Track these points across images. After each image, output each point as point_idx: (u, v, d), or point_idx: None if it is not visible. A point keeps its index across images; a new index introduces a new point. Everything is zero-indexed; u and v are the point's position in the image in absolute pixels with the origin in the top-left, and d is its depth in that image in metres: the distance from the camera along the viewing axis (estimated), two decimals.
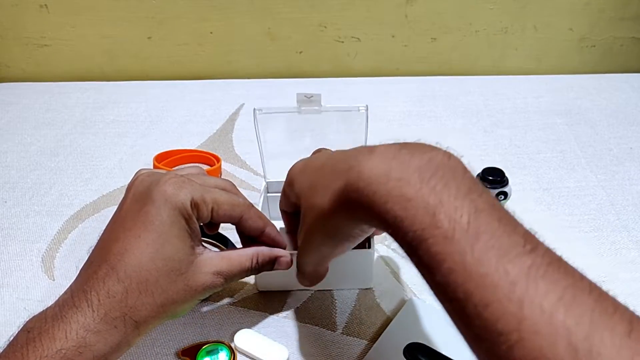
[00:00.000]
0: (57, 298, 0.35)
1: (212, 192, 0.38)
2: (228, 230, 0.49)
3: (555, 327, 0.23)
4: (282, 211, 0.45)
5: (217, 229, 0.44)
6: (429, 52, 0.88)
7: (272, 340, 0.44)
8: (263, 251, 0.41)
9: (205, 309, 0.48)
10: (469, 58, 0.89)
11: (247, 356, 0.44)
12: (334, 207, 0.33)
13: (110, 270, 0.34)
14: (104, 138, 0.73)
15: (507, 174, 0.54)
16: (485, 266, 0.25)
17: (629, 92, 0.82)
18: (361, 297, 0.49)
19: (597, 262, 0.52)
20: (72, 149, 0.71)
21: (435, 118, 0.77)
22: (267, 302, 0.49)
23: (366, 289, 0.50)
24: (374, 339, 0.45)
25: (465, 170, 0.30)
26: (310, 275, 0.42)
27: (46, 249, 0.55)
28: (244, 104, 0.80)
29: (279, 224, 0.44)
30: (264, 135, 0.51)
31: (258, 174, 0.65)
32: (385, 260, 0.53)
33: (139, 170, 0.40)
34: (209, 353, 0.43)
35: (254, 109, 0.49)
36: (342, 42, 0.87)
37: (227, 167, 0.67)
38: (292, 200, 0.41)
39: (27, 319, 0.34)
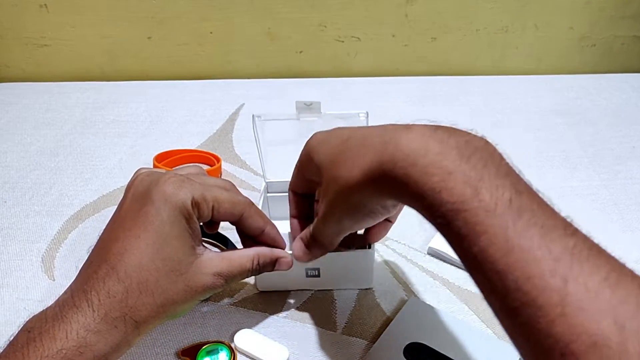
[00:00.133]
0: (57, 298, 0.35)
1: (212, 190, 0.38)
2: (228, 230, 0.49)
3: (600, 304, 0.23)
4: (292, 193, 0.45)
5: (217, 228, 0.44)
6: (429, 52, 0.88)
7: (272, 340, 0.44)
8: (264, 252, 0.41)
9: (205, 309, 0.48)
10: (469, 58, 0.89)
11: (247, 356, 0.44)
12: (362, 181, 0.33)
13: (110, 270, 0.34)
14: (104, 138, 0.73)
15: None
16: (528, 241, 0.25)
17: (629, 92, 0.82)
18: (361, 297, 0.49)
19: None
20: (72, 149, 0.71)
21: (435, 118, 0.76)
22: (267, 302, 0.49)
23: (366, 289, 0.50)
24: (374, 339, 0.45)
25: (501, 156, 0.30)
26: (321, 246, 0.41)
27: (46, 249, 0.55)
28: (244, 104, 0.80)
29: (279, 223, 0.44)
30: (263, 141, 0.50)
31: (258, 174, 0.65)
32: (386, 260, 0.53)
33: (139, 170, 0.40)
34: (209, 353, 0.43)
35: (253, 115, 0.49)
36: (342, 42, 0.87)
37: (227, 167, 0.67)
38: (307, 176, 0.41)
39: (27, 319, 0.34)
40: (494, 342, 0.44)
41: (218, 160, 0.65)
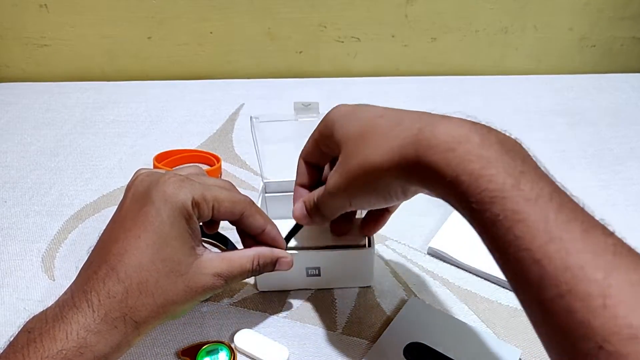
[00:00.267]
0: (57, 298, 0.35)
1: (212, 190, 0.38)
2: (228, 230, 0.49)
3: None
4: (302, 161, 0.43)
5: (217, 228, 0.44)
6: (429, 52, 0.88)
7: (272, 340, 0.44)
8: (264, 252, 0.41)
9: (205, 309, 0.48)
10: (469, 58, 0.89)
11: (247, 356, 0.44)
12: (390, 163, 0.33)
13: (110, 271, 0.34)
14: (104, 138, 0.73)
15: None
16: (568, 233, 0.25)
17: (629, 92, 0.82)
18: (361, 297, 0.49)
19: None
20: (72, 149, 0.71)
21: None
22: (267, 302, 0.49)
23: (366, 288, 0.50)
24: (374, 339, 0.45)
25: (535, 158, 0.31)
26: (322, 216, 0.41)
27: (46, 249, 0.55)
28: (244, 104, 0.80)
29: (279, 223, 0.44)
30: (261, 141, 0.50)
31: (258, 174, 0.65)
32: (386, 260, 0.53)
33: (138, 170, 0.40)
34: (209, 353, 0.43)
35: (251, 117, 0.49)
36: (342, 42, 0.87)
37: (227, 167, 0.67)
38: (322, 148, 0.40)
39: (27, 319, 0.34)
40: (494, 342, 0.44)
41: (218, 160, 0.65)
